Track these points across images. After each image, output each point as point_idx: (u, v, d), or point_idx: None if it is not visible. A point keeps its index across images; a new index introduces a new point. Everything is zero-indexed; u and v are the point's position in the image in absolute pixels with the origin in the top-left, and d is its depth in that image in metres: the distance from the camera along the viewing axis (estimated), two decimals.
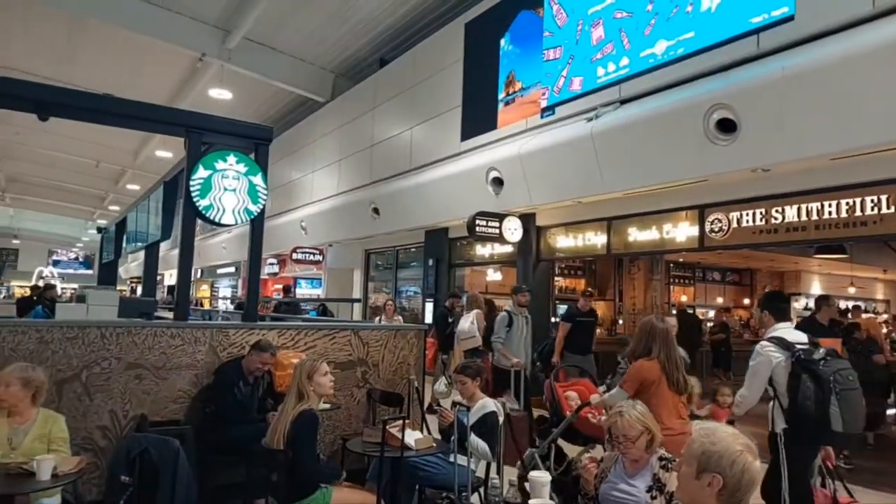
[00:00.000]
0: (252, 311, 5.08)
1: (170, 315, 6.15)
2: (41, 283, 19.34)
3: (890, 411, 7.17)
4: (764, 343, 3.66)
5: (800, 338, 3.63)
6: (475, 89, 9.12)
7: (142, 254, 10.44)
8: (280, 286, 18.95)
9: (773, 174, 5.88)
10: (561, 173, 7.52)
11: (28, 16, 11.61)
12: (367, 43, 12.25)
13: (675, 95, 6.10)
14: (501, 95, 8.61)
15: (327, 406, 4.34)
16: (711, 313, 14.73)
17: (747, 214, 6.39)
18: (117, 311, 4.71)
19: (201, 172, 4.71)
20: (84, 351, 3.91)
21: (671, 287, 14.12)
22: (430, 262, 10.94)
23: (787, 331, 3.71)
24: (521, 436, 4.69)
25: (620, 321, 12.71)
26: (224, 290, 23.12)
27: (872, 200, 5.43)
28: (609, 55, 6.29)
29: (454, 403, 4.06)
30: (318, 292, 16.89)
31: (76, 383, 3.88)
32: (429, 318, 10.17)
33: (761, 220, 6.27)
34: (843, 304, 12.43)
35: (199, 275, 24.12)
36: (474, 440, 3.78)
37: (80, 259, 40.24)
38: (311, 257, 14.90)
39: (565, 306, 11.50)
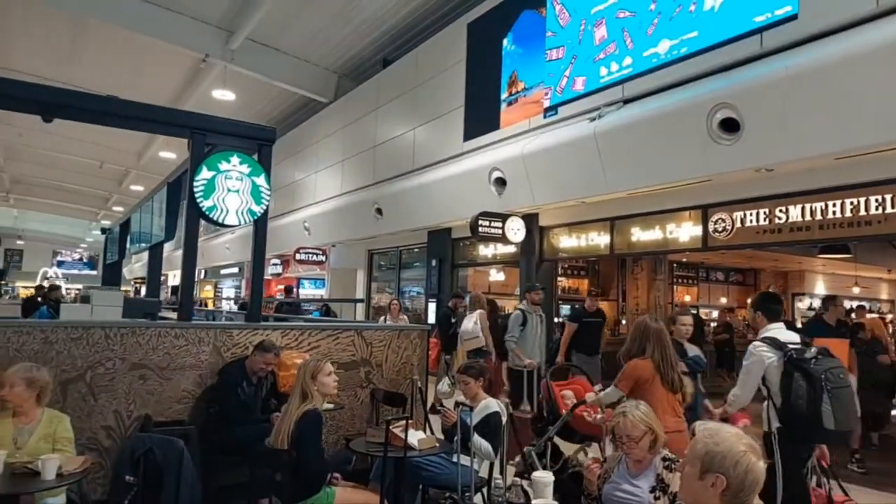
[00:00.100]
0: (256, 311, 5.09)
1: (174, 315, 6.16)
2: (45, 284, 19.41)
3: (894, 411, 7.14)
4: (756, 343, 3.73)
5: (792, 338, 3.69)
6: (478, 89, 9.12)
7: (146, 254, 10.44)
8: (282, 287, 18.97)
9: (776, 174, 5.87)
10: (564, 173, 7.51)
11: (28, 16, 11.62)
12: (370, 43, 12.26)
13: (679, 95, 6.09)
14: (504, 95, 8.61)
15: (330, 406, 4.35)
16: (715, 313, 14.71)
17: (751, 214, 6.38)
18: (121, 312, 4.74)
19: (205, 173, 4.72)
20: (88, 351, 3.93)
21: (674, 287, 14.08)
22: (433, 262, 10.94)
23: (780, 331, 3.77)
24: (529, 439, 4.70)
25: (624, 321, 12.69)
26: (228, 290, 23.14)
27: (877, 200, 5.42)
28: (612, 55, 6.28)
29: (457, 403, 4.07)
30: (322, 293, 16.91)
31: (81, 383, 3.89)
32: (432, 319, 10.18)
33: (765, 219, 6.26)
34: (847, 305, 12.38)
35: (202, 275, 24.17)
36: (477, 440, 3.79)
37: (85, 260, 40.36)
38: (315, 258, 14.92)
39: (568, 306, 11.53)
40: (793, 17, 4.81)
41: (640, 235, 7.66)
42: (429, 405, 5.49)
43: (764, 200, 6.24)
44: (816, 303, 15.61)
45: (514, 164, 8.08)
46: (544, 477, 2.98)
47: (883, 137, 4.75)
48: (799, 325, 11.98)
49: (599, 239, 8.22)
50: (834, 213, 5.71)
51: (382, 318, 8.60)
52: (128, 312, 4.85)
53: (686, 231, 7.11)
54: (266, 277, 15.30)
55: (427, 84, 10.34)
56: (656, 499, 2.66)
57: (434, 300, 10.69)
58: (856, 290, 15.16)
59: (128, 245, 9.80)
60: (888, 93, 4.63)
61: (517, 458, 4.47)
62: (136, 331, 4.11)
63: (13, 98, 4.48)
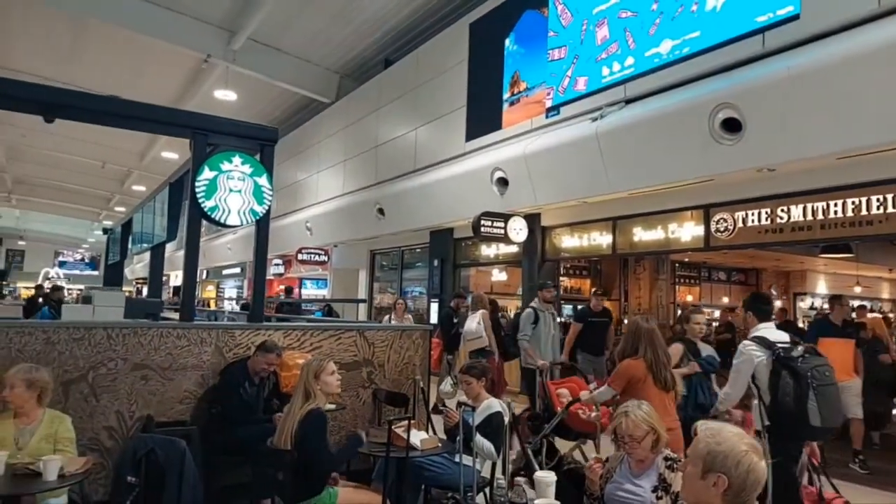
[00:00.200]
0: (258, 311, 5.08)
1: (176, 316, 6.17)
2: (47, 284, 19.43)
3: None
4: (746, 342, 3.82)
5: (781, 337, 3.78)
6: (480, 89, 9.12)
7: (147, 255, 10.46)
8: (283, 287, 18.98)
9: (778, 174, 5.86)
10: (566, 173, 7.51)
11: (28, 16, 11.63)
12: (372, 43, 12.26)
13: (680, 95, 6.09)
14: (506, 95, 8.61)
15: (333, 406, 4.35)
16: (717, 313, 14.69)
17: (753, 214, 6.38)
18: (123, 312, 4.73)
19: (207, 173, 4.72)
20: (90, 352, 3.93)
21: (676, 287, 14.07)
22: (436, 262, 10.94)
23: (769, 330, 3.86)
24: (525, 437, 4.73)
25: (626, 321, 12.68)
26: (230, 290, 23.16)
27: (878, 199, 5.42)
28: (614, 55, 6.27)
29: (459, 404, 4.06)
30: (324, 293, 16.93)
31: (83, 384, 3.90)
32: (434, 319, 10.18)
33: (767, 219, 6.25)
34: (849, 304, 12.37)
35: (204, 275, 24.19)
36: (479, 440, 3.79)
37: (86, 260, 40.39)
38: (317, 258, 14.93)
39: (570, 306, 11.52)
40: (794, 18, 4.80)
41: (642, 235, 7.66)
42: (431, 405, 5.50)
43: (765, 200, 6.24)
44: (818, 302, 15.61)
45: (517, 164, 8.08)
46: (546, 477, 2.97)
47: (884, 137, 4.75)
48: (801, 325, 11.99)
49: (601, 239, 8.21)
50: (835, 212, 5.71)
51: (386, 317, 8.59)
52: (130, 313, 4.85)
53: (688, 231, 7.11)
54: (268, 277, 15.32)
55: (429, 84, 10.34)
56: (658, 498, 2.66)
57: (436, 300, 10.70)
58: (857, 290, 15.14)
59: (130, 245, 9.81)
60: (889, 93, 4.63)
61: (516, 455, 4.49)
62: (138, 331, 4.11)
63: (14, 98, 4.48)
